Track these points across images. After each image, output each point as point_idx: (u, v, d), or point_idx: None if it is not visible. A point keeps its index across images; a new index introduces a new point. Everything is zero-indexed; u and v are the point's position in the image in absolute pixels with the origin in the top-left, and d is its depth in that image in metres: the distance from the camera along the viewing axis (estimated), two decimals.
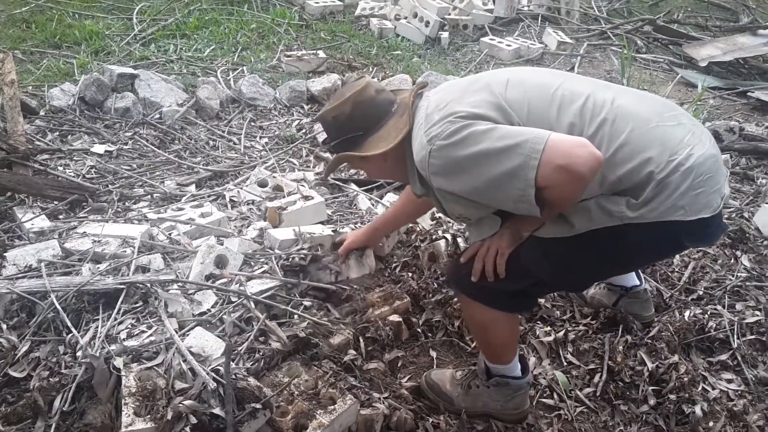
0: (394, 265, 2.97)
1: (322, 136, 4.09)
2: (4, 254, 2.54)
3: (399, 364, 2.54)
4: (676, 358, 2.52)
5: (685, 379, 2.45)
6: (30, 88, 4.29)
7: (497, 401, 2.31)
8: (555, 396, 2.47)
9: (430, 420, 2.28)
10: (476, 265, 2.02)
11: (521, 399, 2.32)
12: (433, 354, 2.62)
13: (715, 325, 2.66)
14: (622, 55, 4.81)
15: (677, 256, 3.09)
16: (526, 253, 1.96)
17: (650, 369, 2.49)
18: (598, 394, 2.48)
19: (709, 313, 2.74)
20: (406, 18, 6.22)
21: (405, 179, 2.12)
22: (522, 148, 1.64)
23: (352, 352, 2.38)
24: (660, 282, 2.95)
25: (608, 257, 1.92)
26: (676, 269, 3.04)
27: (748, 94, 5.12)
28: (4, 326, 2.26)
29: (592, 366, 2.58)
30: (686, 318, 2.72)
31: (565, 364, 2.62)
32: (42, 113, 4.00)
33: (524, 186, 1.65)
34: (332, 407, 2.07)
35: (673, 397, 2.42)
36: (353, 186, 3.48)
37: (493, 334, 2.24)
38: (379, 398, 2.25)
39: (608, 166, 1.73)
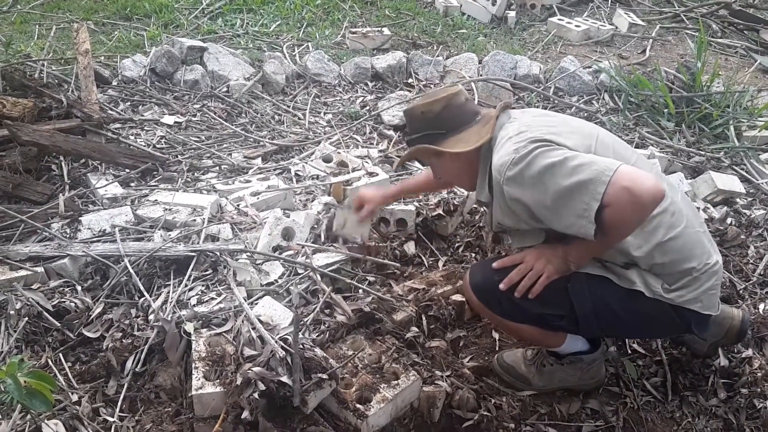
0: (457, 245, 2.95)
1: (386, 114, 4.07)
2: (80, 218, 2.62)
3: (461, 344, 2.53)
4: (749, 352, 2.44)
5: (759, 374, 2.36)
6: (102, 58, 4.39)
7: (573, 375, 2.34)
8: (621, 384, 2.42)
9: (493, 401, 2.26)
10: (513, 275, 2.03)
11: (596, 369, 2.35)
12: (496, 336, 2.59)
13: None
14: (699, 39, 4.60)
15: (752, 248, 2.98)
16: (573, 284, 2.03)
17: (722, 363, 2.41)
18: (666, 384, 2.42)
19: None
20: None
21: (468, 184, 2.23)
22: (597, 166, 1.75)
23: (414, 329, 2.38)
24: (734, 274, 2.83)
25: (640, 318, 2.05)
26: (751, 261, 2.92)
27: None
28: (80, 288, 2.34)
29: (658, 358, 2.52)
30: (761, 311, 2.62)
31: (630, 352, 2.56)
32: (114, 83, 4.09)
33: (589, 199, 1.73)
34: (396, 382, 2.08)
35: (744, 391, 2.34)
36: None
37: (525, 335, 2.27)
38: (442, 376, 2.24)
39: (660, 250, 1.94)
